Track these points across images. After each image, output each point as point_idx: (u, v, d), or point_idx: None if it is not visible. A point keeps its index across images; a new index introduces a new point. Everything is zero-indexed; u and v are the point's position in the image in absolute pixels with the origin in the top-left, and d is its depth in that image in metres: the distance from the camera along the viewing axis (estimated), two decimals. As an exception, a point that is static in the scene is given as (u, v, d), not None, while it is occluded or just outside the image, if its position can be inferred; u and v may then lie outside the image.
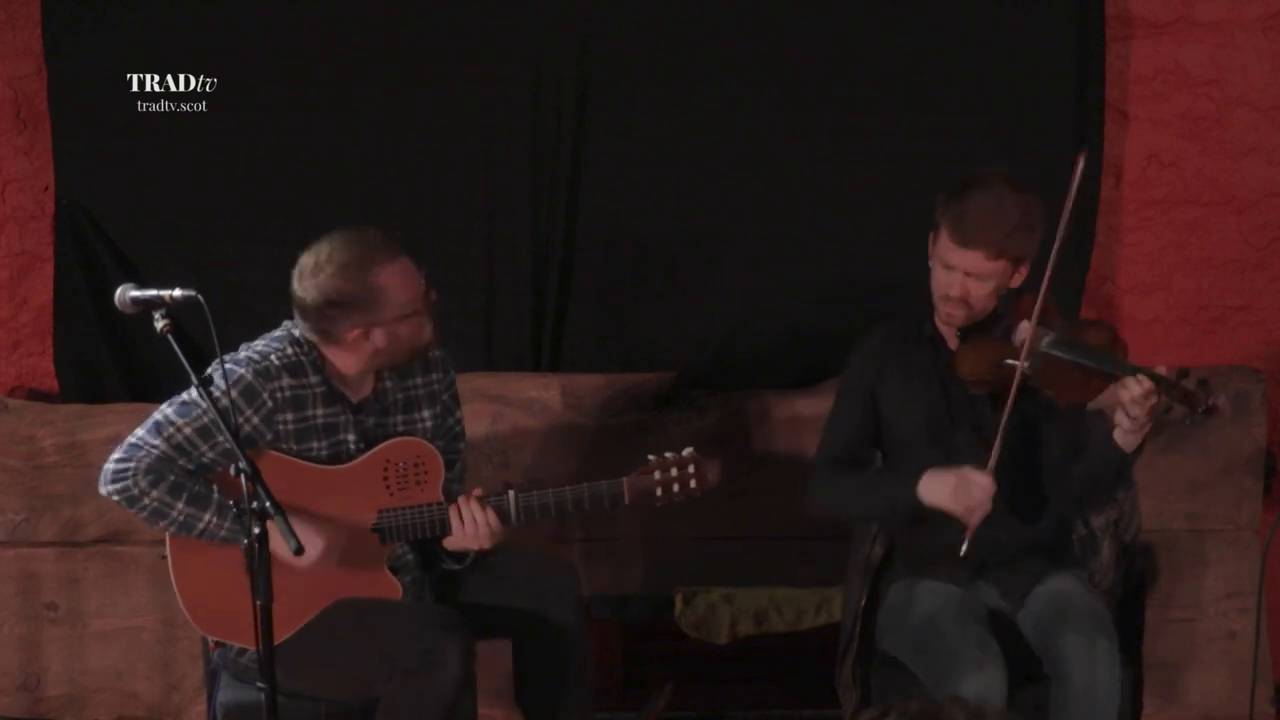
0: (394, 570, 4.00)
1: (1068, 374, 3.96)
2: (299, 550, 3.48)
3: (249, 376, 3.87)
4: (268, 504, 3.46)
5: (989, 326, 4.07)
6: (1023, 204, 4.01)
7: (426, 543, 4.04)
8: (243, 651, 3.95)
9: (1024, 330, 3.99)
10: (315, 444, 3.94)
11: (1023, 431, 4.05)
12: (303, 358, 3.95)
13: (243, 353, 3.96)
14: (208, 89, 4.91)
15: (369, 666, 3.87)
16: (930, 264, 4.08)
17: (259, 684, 3.54)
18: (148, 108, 4.91)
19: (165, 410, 3.89)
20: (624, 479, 3.97)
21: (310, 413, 3.94)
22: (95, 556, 4.82)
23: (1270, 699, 4.83)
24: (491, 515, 3.93)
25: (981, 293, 4.03)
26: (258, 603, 3.47)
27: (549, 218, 4.98)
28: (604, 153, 4.97)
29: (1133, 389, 3.87)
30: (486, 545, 3.96)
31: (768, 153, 4.93)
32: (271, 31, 4.91)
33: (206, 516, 3.86)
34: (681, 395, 4.91)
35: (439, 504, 3.96)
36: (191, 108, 4.91)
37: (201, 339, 3.91)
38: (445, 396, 4.15)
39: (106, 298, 3.76)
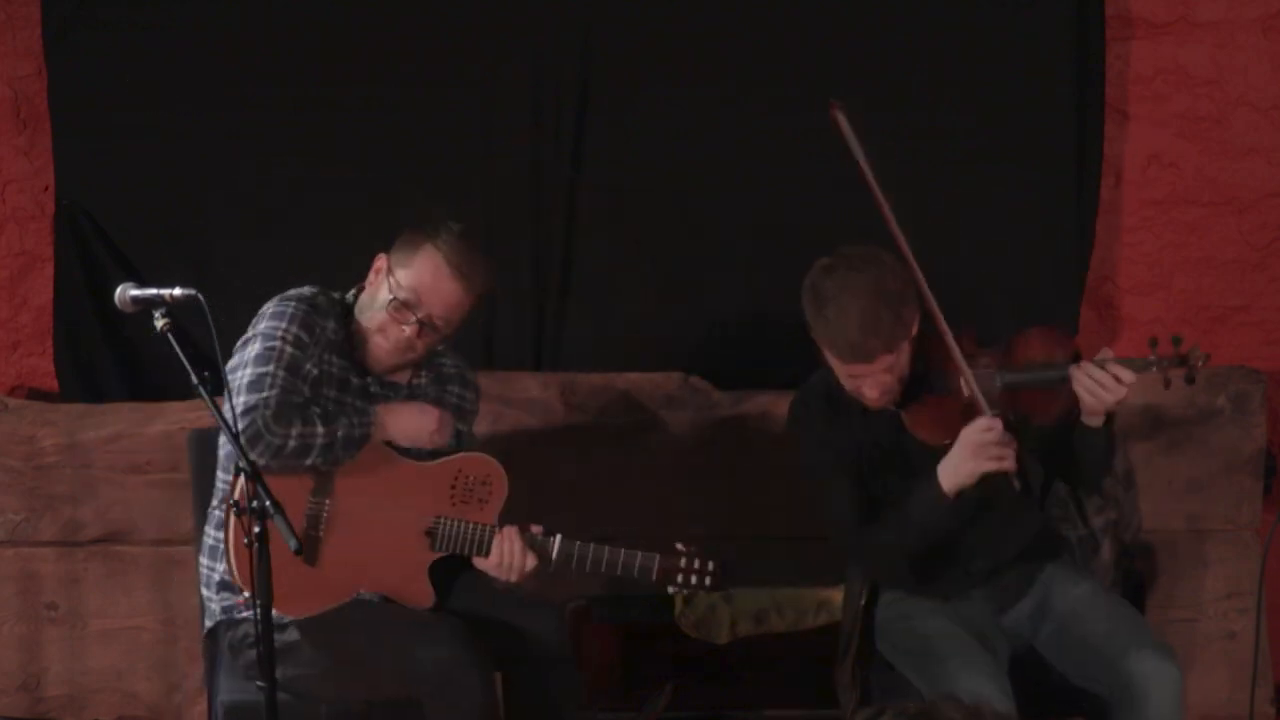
0: None
1: (1035, 398, 3.87)
2: (299, 550, 3.47)
3: (303, 311, 3.93)
4: (268, 503, 3.46)
5: (928, 384, 3.92)
6: (881, 292, 3.83)
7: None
8: (252, 645, 3.94)
9: (967, 383, 3.83)
10: (348, 398, 3.98)
11: None
12: (343, 316, 4.01)
13: (292, 291, 4.00)
14: (208, 89, 4.91)
15: (383, 672, 3.86)
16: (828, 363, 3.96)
17: (259, 683, 3.53)
18: (147, 108, 4.92)
19: (249, 370, 3.87)
20: (657, 556, 3.99)
21: (349, 365, 3.99)
22: (95, 556, 4.82)
23: (1270, 699, 4.83)
24: (530, 554, 3.96)
25: (899, 373, 3.89)
26: (258, 602, 3.46)
27: (549, 216, 4.99)
28: (604, 152, 4.97)
29: (1102, 382, 3.76)
30: (514, 579, 3.98)
31: (768, 152, 4.94)
32: (272, 32, 4.91)
33: (342, 422, 3.88)
34: (682, 395, 4.91)
35: (491, 526, 3.98)
36: (191, 108, 4.91)
37: (201, 339, 3.91)
38: (471, 419, 4.20)
39: (106, 298, 3.76)
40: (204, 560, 4.04)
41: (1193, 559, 4.87)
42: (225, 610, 4.01)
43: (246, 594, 3.93)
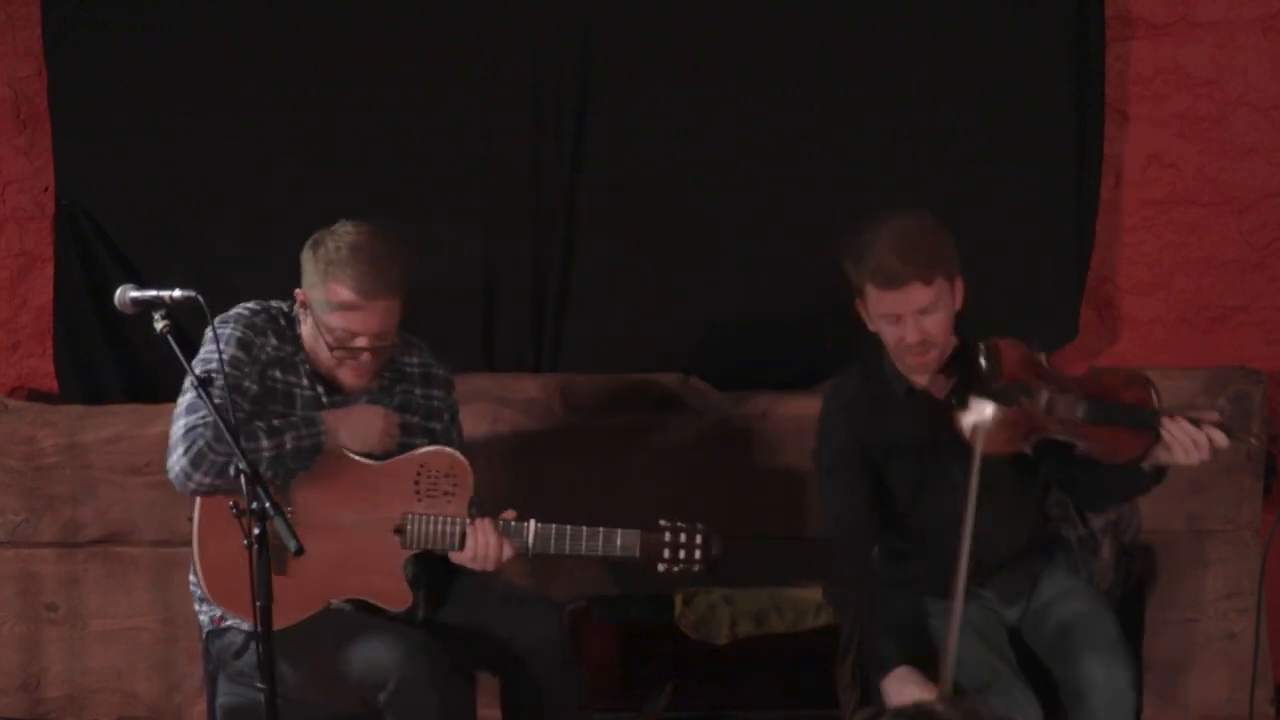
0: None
1: (1110, 436, 3.78)
2: (299, 551, 3.47)
3: (239, 331, 3.90)
4: (268, 504, 3.45)
5: (996, 389, 3.81)
6: (921, 219, 3.88)
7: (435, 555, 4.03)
8: (237, 655, 3.94)
9: (1044, 403, 3.77)
10: (296, 413, 3.95)
11: None
12: (285, 327, 3.98)
13: (231, 312, 3.97)
14: (208, 89, 4.91)
15: (348, 685, 3.85)
16: (872, 329, 3.95)
17: (259, 684, 3.53)
18: (148, 108, 4.92)
19: (187, 395, 3.86)
20: (639, 532, 3.96)
21: (295, 379, 3.95)
22: (95, 557, 4.82)
23: (1270, 700, 4.83)
24: (506, 543, 3.93)
25: (938, 326, 3.89)
26: (258, 603, 3.46)
27: (549, 218, 4.99)
28: (604, 152, 4.98)
29: (1197, 442, 3.71)
30: (491, 569, 3.95)
31: (768, 153, 4.94)
32: (271, 32, 4.91)
33: (289, 435, 3.85)
34: (682, 395, 4.91)
35: (463, 519, 3.95)
36: (192, 108, 4.91)
37: (201, 339, 3.92)
38: (447, 416, 4.14)
39: (106, 298, 3.76)
40: (190, 576, 4.04)
41: (1193, 559, 4.86)
42: (211, 620, 4.00)
43: (219, 612, 3.95)
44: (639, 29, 4.94)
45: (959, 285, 3.93)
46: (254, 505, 3.46)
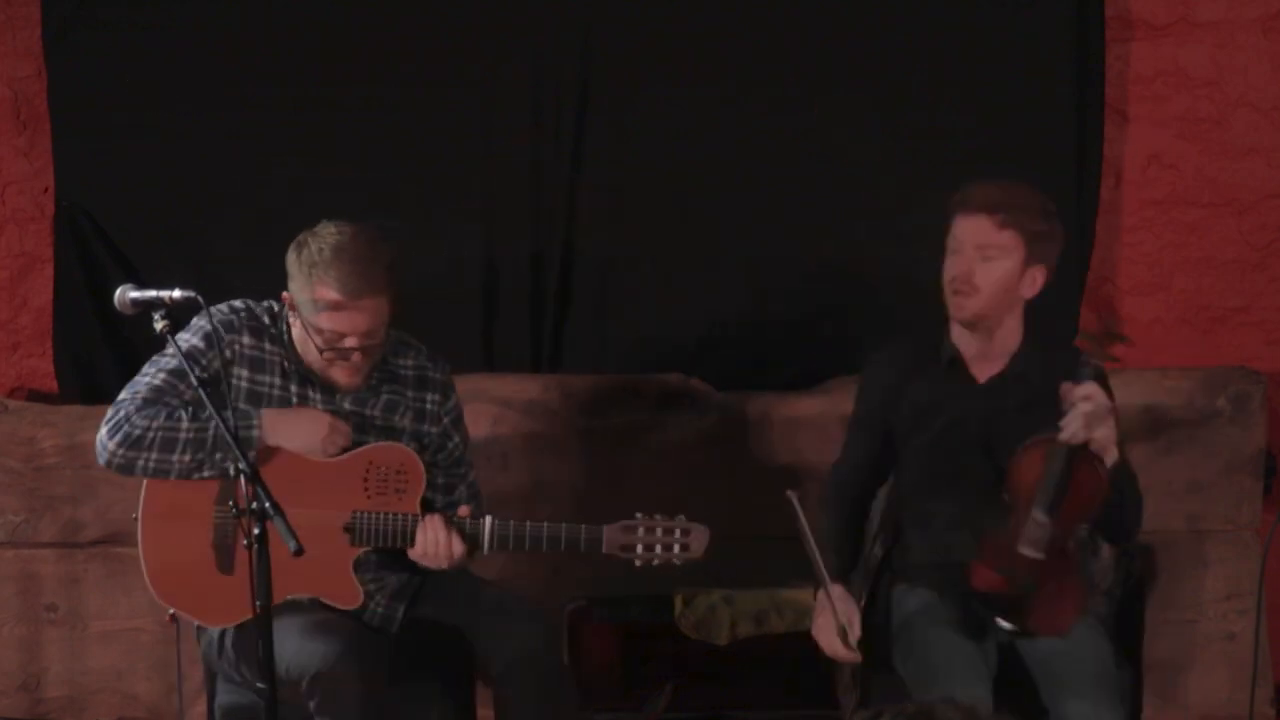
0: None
1: (1071, 499, 3.81)
2: (299, 551, 3.46)
3: (211, 326, 3.88)
4: (267, 504, 3.45)
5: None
6: (1039, 193, 3.91)
7: (397, 552, 4.00)
8: (219, 653, 3.93)
9: (1033, 553, 3.81)
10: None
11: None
12: (268, 326, 3.96)
13: (213, 308, 3.95)
14: (208, 89, 4.91)
15: (280, 678, 3.82)
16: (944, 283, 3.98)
17: (259, 684, 3.52)
18: (148, 108, 4.92)
19: (137, 375, 3.91)
20: (605, 527, 3.91)
21: (267, 378, 3.94)
22: (95, 558, 4.82)
23: (1270, 700, 4.83)
24: (456, 539, 3.88)
25: (990, 277, 3.88)
26: (258, 603, 3.45)
27: (549, 218, 4.99)
28: (604, 152, 4.98)
29: (1086, 413, 3.73)
30: (444, 566, 3.91)
31: (768, 154, 4.94)
32: (272, 32, 4.91)
33: (214, 421, 3.81)
34: (682, 395, 4.91)
35: (414, 515, 3.91)
36: (191, 108, 4.91)
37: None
38: (446, 420, 4.10)
39: (106, 298, 3.76)
40: None
41: (1193, 559, 4.86)
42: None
43: (171, 610, 3.93)
44: (639, 29, 4.94)
45: (1039, 270, 3.93)
46: (254, 505, 3.46)
